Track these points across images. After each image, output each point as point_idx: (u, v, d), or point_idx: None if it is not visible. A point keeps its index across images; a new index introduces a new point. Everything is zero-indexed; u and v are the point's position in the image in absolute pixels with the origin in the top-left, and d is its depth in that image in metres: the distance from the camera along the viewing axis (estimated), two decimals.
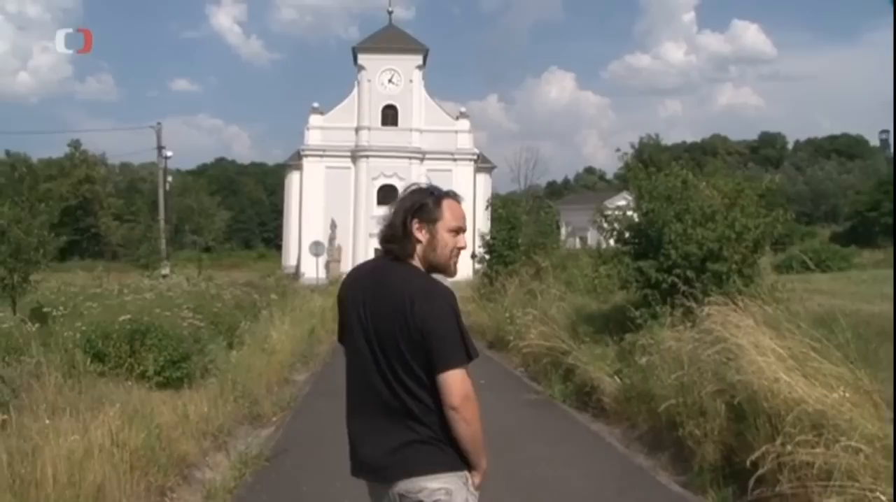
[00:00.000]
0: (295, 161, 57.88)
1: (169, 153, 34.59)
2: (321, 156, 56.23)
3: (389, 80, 56.57)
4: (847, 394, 5.32)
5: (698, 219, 9.84)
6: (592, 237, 34.68)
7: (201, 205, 33.34)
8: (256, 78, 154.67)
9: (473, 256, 26.41)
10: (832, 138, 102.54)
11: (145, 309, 10.29)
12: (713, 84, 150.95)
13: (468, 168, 57.03)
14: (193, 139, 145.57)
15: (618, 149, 10.57)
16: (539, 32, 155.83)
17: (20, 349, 8.58)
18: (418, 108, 56.78)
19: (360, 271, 3.10)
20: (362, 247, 54.12)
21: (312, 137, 56.77)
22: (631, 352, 9.32)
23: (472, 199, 49.66)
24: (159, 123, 34.35)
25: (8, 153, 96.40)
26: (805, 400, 5.39)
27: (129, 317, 9.17)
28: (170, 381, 9.08)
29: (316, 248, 41.98)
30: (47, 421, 6.32)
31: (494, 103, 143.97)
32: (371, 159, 55.61)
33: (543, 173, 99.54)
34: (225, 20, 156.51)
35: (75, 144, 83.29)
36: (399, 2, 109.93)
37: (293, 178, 57.94)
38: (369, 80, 56.26)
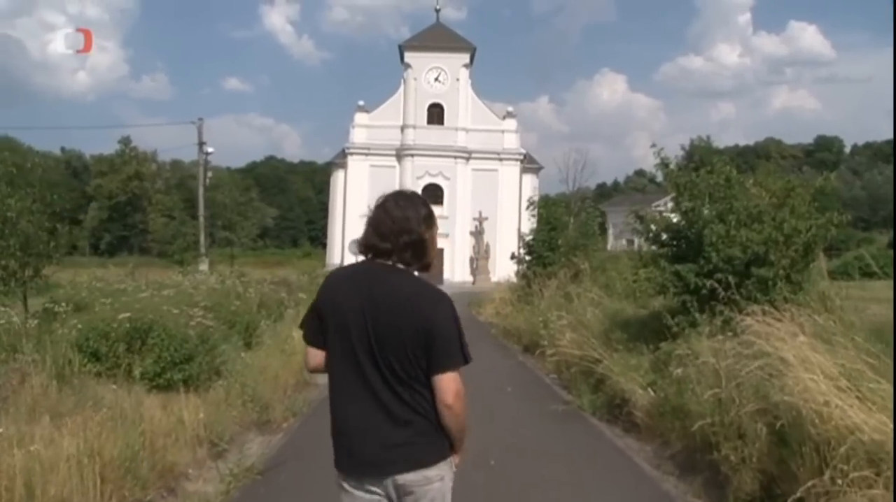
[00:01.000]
0: (340, 159, 57.63)
1: (210, 149, 34.34)
2: (366, 154, 55.88)
3: (436, 79, 55.96)
4: None
5: (743, 219, 9.03)
6: (639, 240, 33.73)
7: (234, 202, 33.03)
8: (307, 77, 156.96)
9: (513, 257, 25.76)
10: (892, 142, 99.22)
11: (152, 306, 9.85)
12: (768, 86, 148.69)
13: (514, 168, 56.25)
14: (244, 137, 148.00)
15: (653, 145, 9.75)
16: (591, 34, 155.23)
17: (14, 347, 8.17)
18: (464, 106, 56.07)
19: (347, 275, 3.17)
20: None
21: (358, 135, 56.45)
22: (666, 362, 8.57)
23: (518, 200, 49.02)
24: (201, 119, 34.10)
25: (63, 150, 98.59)
26: (860, 427, 4.62)
27: (128, 314, 8.66)
28: (171, 384, 8.56)
29: (355, 247, 41.41)
30: (23, 428, 5.87)
31: (545, 105, 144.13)
32: (416, 158, 55.08)
33: (592, 175, 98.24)
34: (277, 20, 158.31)
35: (125, 141, 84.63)
36: (450, 3, 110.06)
37: (338, 177, 57.70)
38: (415, 79, 55.73)
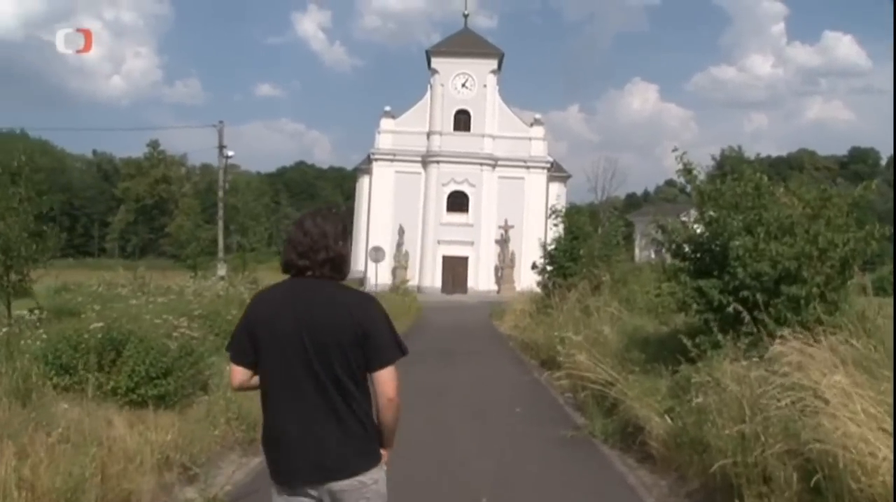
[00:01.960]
0: (366, 165, 57.11)
1: (230, 152, 33.98)
2: (391, 160, 55.34)
3: (463, 85, 55.32)
4: None
5: (773, 231, 8.22)
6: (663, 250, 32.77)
7: (247, 205, 32.60)
8: (338, 84, 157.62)
9: (534, 267, 24.97)
10: None
11: (136, 315, 9.22)
12: (801, 97, 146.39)
13: (541, 176, 55.45)
14: (275, 143, 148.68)
15: (675, 149, 8.94)
16: (623, 43, 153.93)
17: None
18: (491, 113, 55.34)
19: (276, 294, 3.26)
20: (430, 254, 53.07)
21: (383, 141, 55.93)
22: (685, 387, 7.76)
23: (545, 208, 48.10)
24: (221, 122, 33.64)
25: (95, 153, 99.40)
26: None
27: (101, 324, 8.02)
28: (145, 400, 7.90)
29: (376, 254, 40.95)
30: None
31: (575, 113, 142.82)
32: (442, 164, 54.44)
33: (622, 184, 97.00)
34: (310, 27, 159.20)
35: (154, 144, 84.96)
36: (480, 11, 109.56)
37: (363, 183, 57.22)
38: (442, 85, 55.12)
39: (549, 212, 25.39)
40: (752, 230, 8.26)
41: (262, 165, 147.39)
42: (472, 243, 53.81)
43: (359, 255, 55.55)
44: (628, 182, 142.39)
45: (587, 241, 21.64)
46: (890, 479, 3.87)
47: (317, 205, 75.43)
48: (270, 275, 33.71)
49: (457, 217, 54.13)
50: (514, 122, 56.20)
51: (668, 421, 7.77)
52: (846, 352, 6.10)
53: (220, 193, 33.28)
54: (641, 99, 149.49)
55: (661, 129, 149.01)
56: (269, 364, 3.14)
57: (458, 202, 54.71)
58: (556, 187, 55.33)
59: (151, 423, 7.40)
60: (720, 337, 8.04)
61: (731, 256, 8.17)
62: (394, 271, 51.28)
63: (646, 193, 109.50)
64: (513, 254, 52.73)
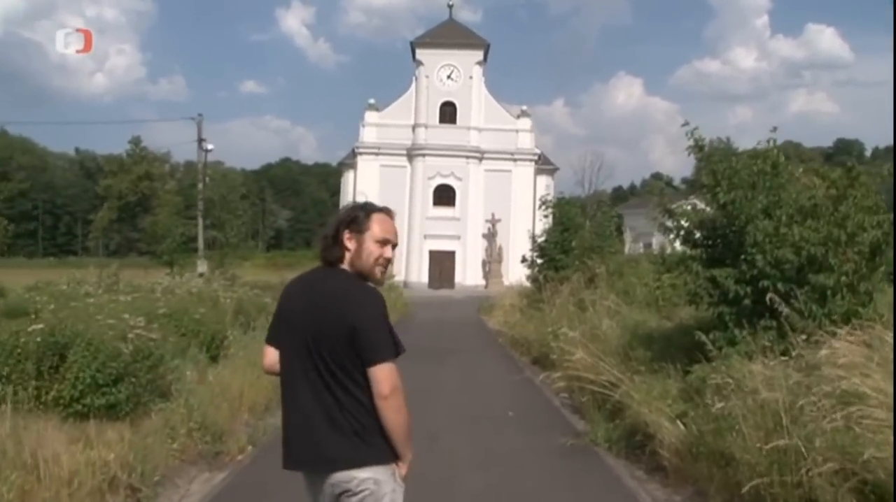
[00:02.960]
0: (350, 159, 56.05)
1: (210, 146, 32.88)
2: (376, 153, 54.29)
3: (448, 76, 54.28)
4: None
5: (793, 214, 7.38)
6: (658, 243, 32.06)
7: (223, 198, 31.54)
8: (323, 80, 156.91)
9: (523, 260, 24.15)
10: None
11: (85, 315, 8.31)
12: (785, 90, 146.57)
13: (528, 169, 54.54)
14: (261, 140, 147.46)
15: (685, 123, 8.08)
16: (607, 37, 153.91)
17: None
18: (478, 105, 54.35)
19: (300, 280, 3.34)
20: (417, 248, 52.11)
21: (368, 135, 54.84)
22: (699, 390, 6.93)
23: (532, 201, 47.20)
24: (200, 115, 32.58)
25: (77, 150, 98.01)
26: None
27: (40, 326, 7.10)
28: (91, 411, 6.99)
29: None
30: None
31: (561, 108, 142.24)
32: (428, 158, 53.39)
33: (608, 178, 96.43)
34: (294, 23, 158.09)
35: (136, 141, 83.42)
36: (465, 5, 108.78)
37: (348, 177, 56.07)
38: (427, 76, 54.06)
39: (539, 202, 24.54)
40: (770, 213, 7.43)
41: (248, 162, 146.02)
42: (458, 237, 52.90)
43: None
44: (614, 175, 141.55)
45: (579, 233, 20.84)
46: None
47: (301, 201, 74.73)
48: (253, 272, 32.86)
49: (443, 211, 53.18)
50: (501, 114, 55.22)
51: (682, 427, 6.94)
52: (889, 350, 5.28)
53: (200, 187, 32.26)
54: (627, 93, 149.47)
55: (646, 123, 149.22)
56: (282, 351, 3.20)
57: (444, 196, 53.77)
58: (543, 180, 54.38)
59: (97, 438, 6.52)
60: (736, 332, 7.24)
61: (748, 242, 7.33)
62: None
63: (632, 186, 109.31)
64: (500, 248, 51.86)
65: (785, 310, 6.57)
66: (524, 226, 41.16)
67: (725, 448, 5.83)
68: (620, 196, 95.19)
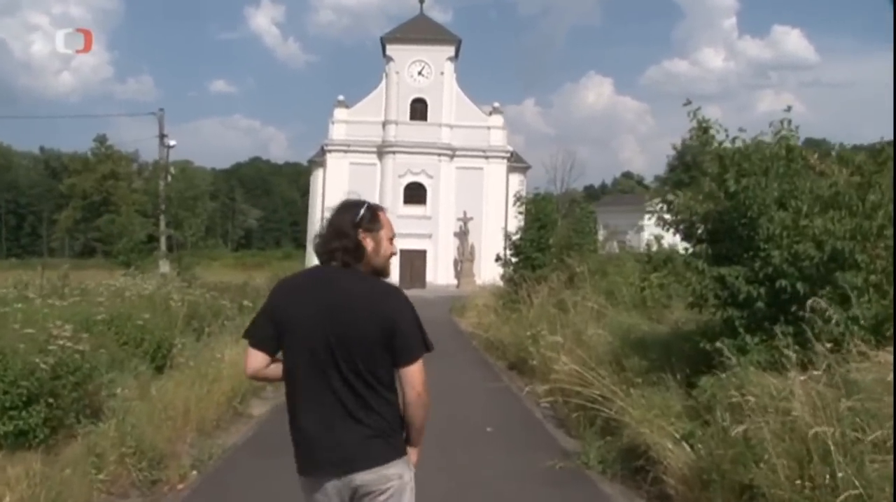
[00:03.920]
0: (319, 157, 54.79)
1: (172, 142, 31.63)
2: (346, 151, 53.04)
3: (419, 73, 53.20)
4: None
5: (812, 205, 6.48)
6: (633, 240, 31.23)
7: (181, 198, 30.43)
8: (293, 79, 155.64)
9: (498, 259, 23.23)
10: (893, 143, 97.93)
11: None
12: (753, 90, 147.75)
13: (500, 166, 53.61)
14: (231, 139, 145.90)
15: (687, 102, 7.13)
16: (577, 37, 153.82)
17: None
18: (449, 101, 53.29)
19: (301, 282, 3.26)
20: None
21: (337, 132, 53.55)
22: (708, 406, 6.01)
23: (505, 199, 46.33)
24: (161, 110, 31.29)
25: (42, 149, 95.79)
26: None
27: None
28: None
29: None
30: None
31: (531, 107, 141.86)
32: (398, 155, 52.23)
33: (580, 176, 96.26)
34: (263, 22, 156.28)
35: (100, 139, 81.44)
36: (436, 5, 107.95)
37: (318, 176, 54.77)
38: (398, 72, 52.91)
39: (514, 198, 23.59)
40: (785, 203, 6.53)
41: (218, 162, 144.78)
42: (430, 236, 51.84)
43: (312, 252, 53.33)
44: (586, 174, 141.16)
45: (556, 229, 19.96)
46: None
47: (272, 200, 73.71)
48: (220, 273, 31.66)
49: (414, 209, 52.00)
50: (473, 111, 54.20)
51: (688, 450, 6.01)
52: None
53: (161, 184, 30.97)
54: (597, 93, 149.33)
55: (617, 122, 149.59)
56: (291, 354, 3.10)
57: (415, 194, 52.69)
58: (516, 178, 53.50)
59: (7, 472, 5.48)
60: (748, 338, 6.34)
61: (761, 236, 6.42)
62: None
63: (603, 185, 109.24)
64: (472, 246, 50.93)
65: (809, 312, 5.66)
66: (497, 225, 40.35)
67: (748, 478, 4.91)
68: (592, 194, 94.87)
